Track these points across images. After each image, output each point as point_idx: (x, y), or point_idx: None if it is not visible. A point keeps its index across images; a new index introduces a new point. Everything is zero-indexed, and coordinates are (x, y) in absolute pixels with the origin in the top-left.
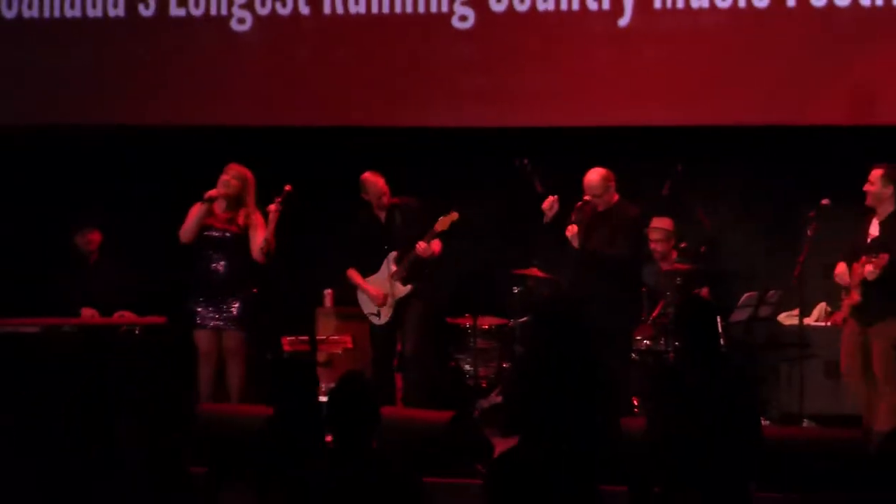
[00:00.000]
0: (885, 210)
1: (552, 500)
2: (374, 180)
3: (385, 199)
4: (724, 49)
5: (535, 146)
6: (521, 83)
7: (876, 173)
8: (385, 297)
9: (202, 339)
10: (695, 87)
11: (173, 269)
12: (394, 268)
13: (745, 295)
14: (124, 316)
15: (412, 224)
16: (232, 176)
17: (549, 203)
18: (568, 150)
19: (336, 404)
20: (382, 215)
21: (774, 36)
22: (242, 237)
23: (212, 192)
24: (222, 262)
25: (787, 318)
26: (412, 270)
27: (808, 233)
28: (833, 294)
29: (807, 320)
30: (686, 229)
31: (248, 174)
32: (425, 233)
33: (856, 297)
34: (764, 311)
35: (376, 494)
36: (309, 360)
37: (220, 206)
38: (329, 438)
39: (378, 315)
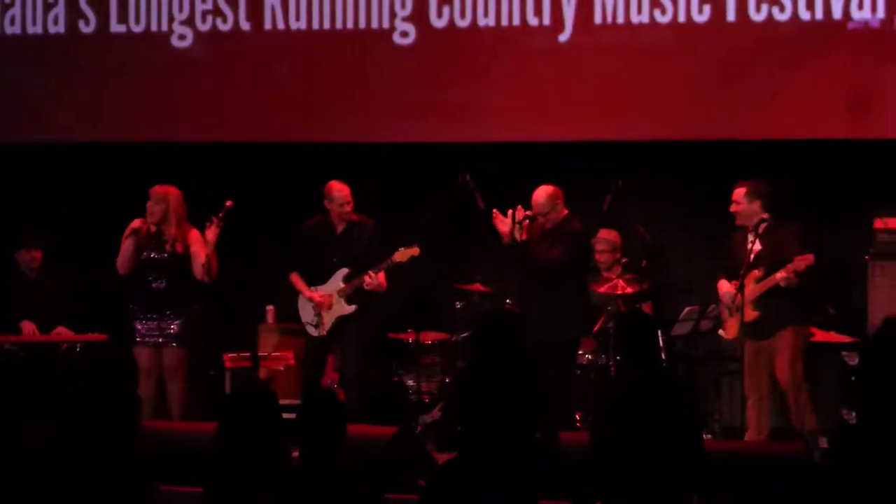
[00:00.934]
0: (758, 225)
1: None
2: (339, 188)
3: (348, 208)
4: (664, 64)
5: (476, 161)
6: (463, 98)
7: (739, 192)
8: (331, 303)
9: (142, 356)
10: (635, 102)
11: (115, 286)
12: (342, 285)
13: (686, 309)
14: (62, 333)
15: (367, 245)
16: (154, 202)
17: (502, 220)
18: (509, 165)
19: (305, 419)
20: (339, 227)
21: (715, 51)
22: (180, 256)
23: (135, 224)
24: (162, 282)
25: None
26: (358, 293)
27: (749, 246)
28: None
29: None
30: (627, 244)
31: (171, 193)
32: (378, 256)
33: (751, 313)
34: (705, 325)
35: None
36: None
37: (152, 230)
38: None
39: (316, 326)
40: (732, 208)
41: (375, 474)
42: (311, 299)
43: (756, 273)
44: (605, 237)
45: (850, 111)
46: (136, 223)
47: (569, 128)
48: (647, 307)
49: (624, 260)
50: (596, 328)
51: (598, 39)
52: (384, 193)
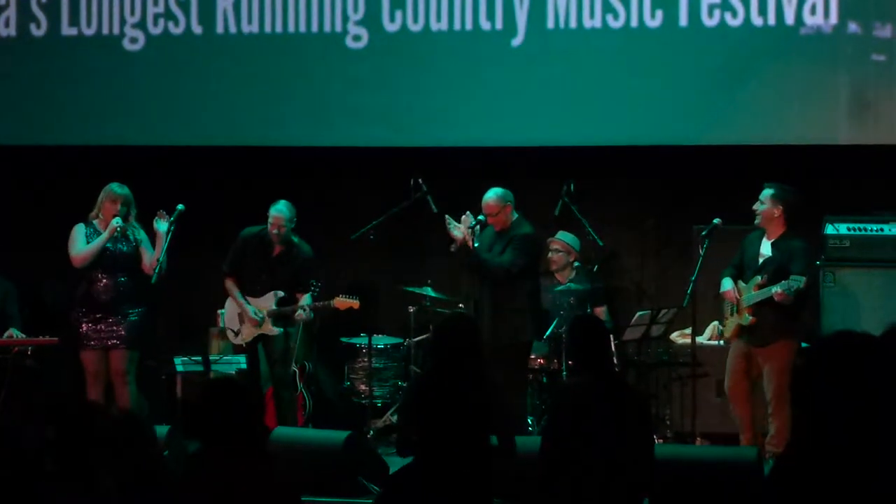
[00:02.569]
0: (775, 230)
1: None
2: (276, 216)
3: (282, 231)
4: (616, 69)
5: (429, 165)
6: (415, 102)
7: (767, 192)
8: (257, 323)
9: (89, 359)
10: (587, 106)
11: (59, 288)
12: (274, 307)
13: (638, 314)
14: (11, 336)
15: (298, 273)
16: (119, 202)
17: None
18: (462, 169)
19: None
20: (277, 248)
21: (667, 55)
22: (130, 255)
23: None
24: (110, 281)
25: (680, 337)
26: (286, 319)
27: (701, 251)
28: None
29: (699, 339)
30: (580, 249)
31: (128, 196)
32: (305, 285)
33: (748, 318)
34: (656, 330)
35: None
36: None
37: (104, 227)
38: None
39: (237, 334)
40: (757, 206)
41: (289, 473)
42: (244, 311)
43: (760, 280)
44: (561, 238)
45: (802, 116)
46: (115, 225)
47: (520, 132)
48: (599, 312)
49: (576, 263)
50: (548, 333)
51: (551, 44)
52: (336, 198)
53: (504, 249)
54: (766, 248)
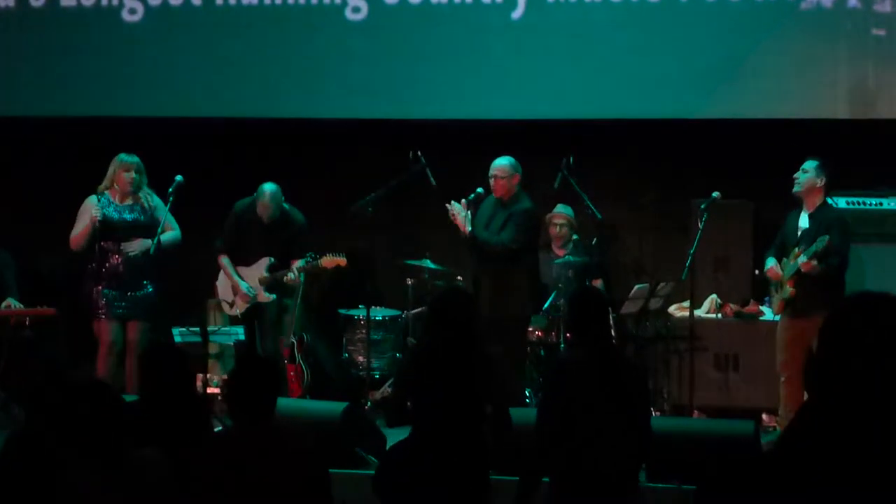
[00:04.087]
0: (813, 202)
1: (442, 491)
2: (264, 202)
3: (269, 214)
4: (616, 43)
5: (427, 138)
6: (414, 75)
7: (812, 163)
8: (248, 299)
9: (106, 329)
10: (587, 80)
11: (57, 258)
12: (265, 274)
13: (636, 287)
14: (9, 306)
15: (293, 240)
16: (131, 171)
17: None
18: (461, 142)
19: (236, 384)
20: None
21: (667, 29)
22: (147, 225)
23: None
24: (127, 254)
25: (678, 311)
26: (279, 285)
27: (700, 225)
28: (724, 286)
29: (697, 312)
30: (578, 222)
31: (139, 163)
32: (299, 253)
33: (790, 290)
34: (655, 304)
35: (277, 476)
36: (177, 348)
37: (121, 197)
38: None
39: (231, 305)
40: (798, 175)
41: (319, 447)
42: (236, 285)
43: (796, 251)
44: (563, 212)
45: (802, 91)
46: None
47: (519, 106)
48: (596, 285)
49: (575, 237)
50: (545, 305)
51: (551, 18)
52: (335, 171)
53: (504, 224)
54: (803, 221)
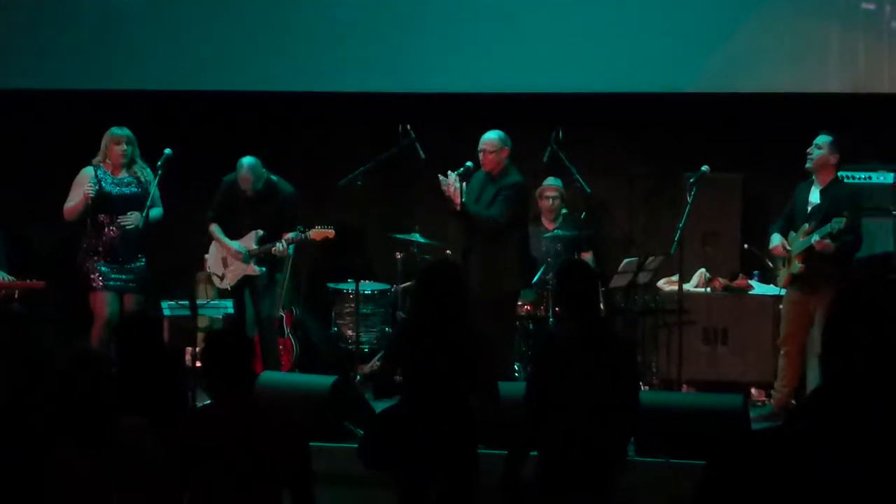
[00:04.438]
0: (825, 177)
1: (430, 464)
2: (244, 174)
3: (248, 192)
4: (606, 16)
5: (417, 112)
6: (403, 49)
7: (825, 139)
8: (241, 258)
9: (102, 302)
10: (576, 53)
11: (51, 231)
12: (254, 246)
13: (625, 261)
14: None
15: (281, 210)
16: (122, 144)
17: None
18: (450, 116)
19: (209, 359)
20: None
21: (657, 4)
22: (141, 197)
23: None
24: (122, 226)
25: (667, 285)
26: (268, 258)
27: (689, 199)
28: (712, 260)
29: (686, 286)
30: (567, 195)
31: (130, 135)
32: (290, 223)
33: (797, 265)
34: (643, 278)
35: (256, 450)
36: (152, 318)
37: (116, 169)
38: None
39: (221, 278)
40: (812, 150)
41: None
42: (226, 249)
43: (807, 227)
44: (553, 185)
45: (792, 64)
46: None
47: (510, 79)
48: (585, 258)
49: (563, 210)
50: (534, 279)
51: None
52: (324, 144)
53: (494, 199)
54: (814, 196)
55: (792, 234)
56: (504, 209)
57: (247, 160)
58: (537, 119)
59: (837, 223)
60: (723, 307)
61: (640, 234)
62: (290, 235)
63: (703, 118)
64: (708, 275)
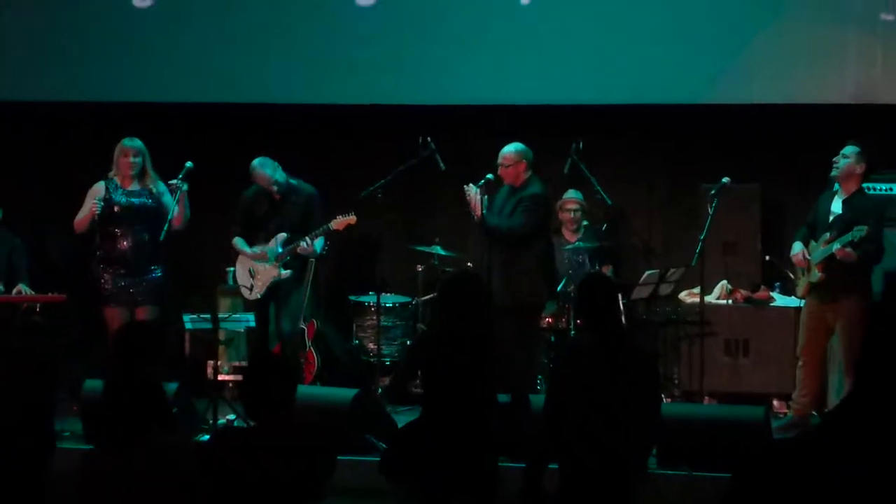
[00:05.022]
0: (849, 188)
1: (449, 474)
2: (260, 174)
3: (275, 188)
4: (625, 27)
5: (437, 123)
6: (423, 60)
7: (853, 149)
8: (265, 262)
9: (114, 316)
10: (596, 64)
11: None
12: (279, 250)
13: (646, 272)
14: (20, 292)
15: (305, 212)
16: (132, 155)
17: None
18: (470, 128)
19: (251, 379)
20: (277, 197)
21: (676, 14)
22: (153, 209)
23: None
24: (133, 237)
25: (688, 296)
26: (294, 259)
27: (710, 210)
28: (734, 271)
29: (708, 298)
30: (587, 207)
31: (141, 147)
32: (315, 223)
33: (817, 274)
34: (665, 289)
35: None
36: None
37: (127, 181)
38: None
39: (251, 289)
40: (839, 160)
41: (329, 435)
42: (252, 256)
43: (828, 237)
44: (574, 198)
45: (811, 75)
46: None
47: (530, 90)
48: (605, 270)
49: (584, 222)
50: (557, 291)
51: (560, 2)
52: (344, 157)
53: (514, 210)
54: (836, 206)
55: (813, 243)
56: (523, 219)
57: (254, 162)
58: (558, 130)
59: (859, 231)
60: (744, 319)
61: (661, 245)
62: (313, 232)
63: (721, 129)
64: (729, 286)
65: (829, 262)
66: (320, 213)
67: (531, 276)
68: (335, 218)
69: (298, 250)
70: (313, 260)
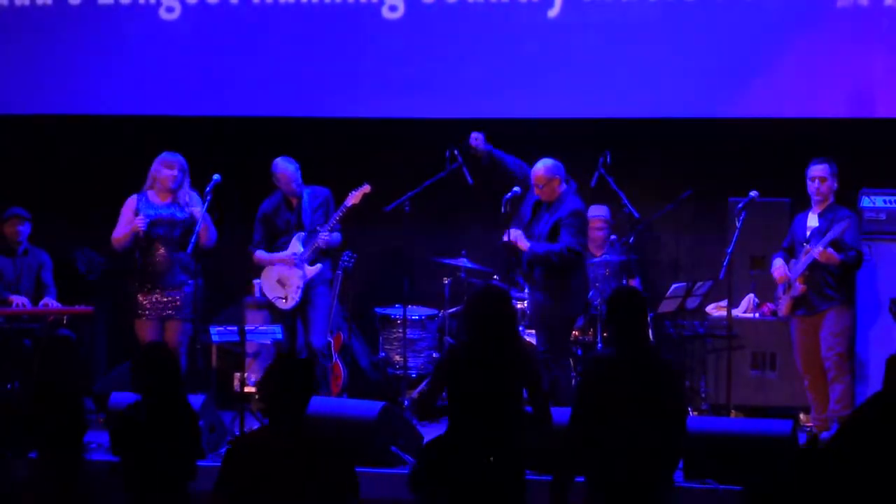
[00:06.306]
0: (823, 203)
1: (478, 489)
2: (282, 172)
3: (294, 186)
4: (652, 41)
5: (464, 137)
6: (450, 74)
7: (827, 169)
8: (294, 262)
9: (145, 330)
10: (623, 78)
11: (99, 257)
12: (301, 248)
13: (674, 286)
14: (48, 305)
15: (321, 210)
16: (171, 168)
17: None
18: (497, 140)
19: (271, 384)
20: (294, 200)
21: (703, 28)
22: (187, 221)
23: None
24: (166, 252)
25: (716, 310)
26: (318, 254)
27: (737, 224)
28: (761, 285)
29: (735, 311)
30: (615, 220)
31: (183, 162)
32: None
33: (799, 288)
34: (692, 303)
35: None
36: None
37: (162, 194)
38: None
39: (285, 299)
40: (815, 187)
41: (343, 444)
42: (281, 261)
43: (808, 248)
44: (600, 213)
45: (838, 89)
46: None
47: (557, 104)
48: (632, 284)
49: (612, 236)
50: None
51: (587, 16)
52: (371, 170)
53: (552, 229)
54: (813, 221)
55: (792, 261)
56: (575, 239)
57: (277, 159)
58: (585, 143)
59: (837, 228)
60: (771, 333)
61: (689, 258)
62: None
63: (750, 143)
64: (757, 300)
65: (810, 271)
66: (334, 208)
67: (564, 289)
68: (348, 195)
69: (320, 243)
70: (340, 272)
